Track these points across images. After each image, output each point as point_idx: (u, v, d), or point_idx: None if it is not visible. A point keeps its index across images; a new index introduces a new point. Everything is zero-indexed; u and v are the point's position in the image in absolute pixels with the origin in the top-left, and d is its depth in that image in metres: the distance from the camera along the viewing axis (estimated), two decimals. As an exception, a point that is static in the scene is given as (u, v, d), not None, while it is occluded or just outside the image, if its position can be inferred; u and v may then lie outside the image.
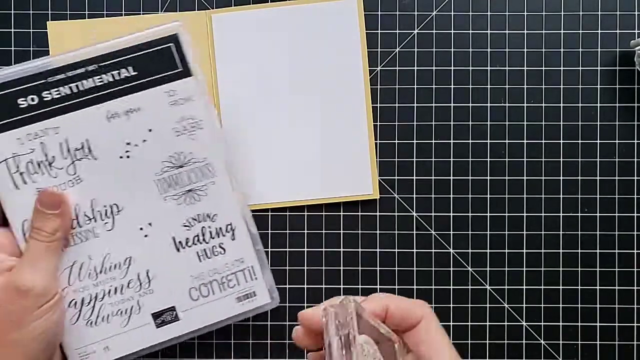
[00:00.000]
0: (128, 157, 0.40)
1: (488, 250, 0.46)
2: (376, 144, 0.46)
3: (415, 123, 0.46)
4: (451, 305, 0.46)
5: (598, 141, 0.46)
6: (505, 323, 0.46)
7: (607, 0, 0.46)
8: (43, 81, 0.39)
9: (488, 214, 0.46)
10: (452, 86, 0.46)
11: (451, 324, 0.46)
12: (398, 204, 0.46)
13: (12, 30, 0.46)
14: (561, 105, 0.46)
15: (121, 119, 0.39)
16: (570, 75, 0.46)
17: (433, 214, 0.46)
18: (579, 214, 0.46)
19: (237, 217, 0.42)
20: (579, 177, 0.46)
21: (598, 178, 0.46)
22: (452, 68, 0.46)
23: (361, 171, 0.46)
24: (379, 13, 0.46)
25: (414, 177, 0.46)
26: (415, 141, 0.46)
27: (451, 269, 0.46)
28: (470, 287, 0.46)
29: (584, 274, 0.46)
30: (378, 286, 0.46)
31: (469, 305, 0.46)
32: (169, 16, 0.46)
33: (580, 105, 0.46)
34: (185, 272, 0.41)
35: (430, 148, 0.46)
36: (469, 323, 0.46)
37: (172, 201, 0.41)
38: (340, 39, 0.46)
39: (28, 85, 0.38)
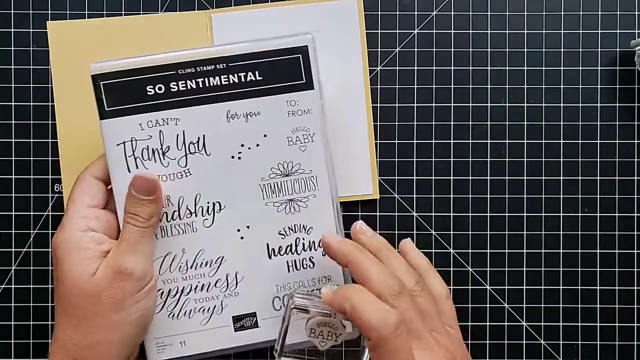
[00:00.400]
0: (240, 158, 0.40)
1: (488, 250, 0.46)
2: (376, 144, 0.46)
3: (415, 123, 0.46)
4: (451, 305, 0.46)
5: (598, 141, 0.46)
6: (505, 323, 0.46)
7: (607, 0, 0.46)
8: (173, 72, 0.39)
9: (488, 214, 0.46)
10: (452, 86, 0.46)
11: (451, 324, 0.46)
12: (398, 204, 0.46)
13: (12, 30, 0.46)
14: (561, 105, 0.46)
15: (240, 120, 0.40)
16: (570, 75, 0.46)
17: (433, 214, 0.46)
18: (579, 214, 0.46)
19: None
20: (579, 177, 0.46)
21: (598, 178, 0.46)
22: (452, 68, 0.46)
23: (361, 171, 0.46)
24: (379, 13, 0.46)
25: (414, 177, 0.46)
26: (415, 141, 0.46)
27: (451, 269, 0.46)
28: (470, 287, 0.46)
29: (584, 274, 0.46)
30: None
31: (469, 305, 0.46)
32: (169, 16, 0.46)
33: (580, 105, 0.46)
34: (272, 280, 0.41)
35: (430, 148, 0.46)
36: (469, 323, 0.46)
37: (273, 208, 0.40)
38: (340, 39, 0.46)
39: (159, 74, 0.39)
